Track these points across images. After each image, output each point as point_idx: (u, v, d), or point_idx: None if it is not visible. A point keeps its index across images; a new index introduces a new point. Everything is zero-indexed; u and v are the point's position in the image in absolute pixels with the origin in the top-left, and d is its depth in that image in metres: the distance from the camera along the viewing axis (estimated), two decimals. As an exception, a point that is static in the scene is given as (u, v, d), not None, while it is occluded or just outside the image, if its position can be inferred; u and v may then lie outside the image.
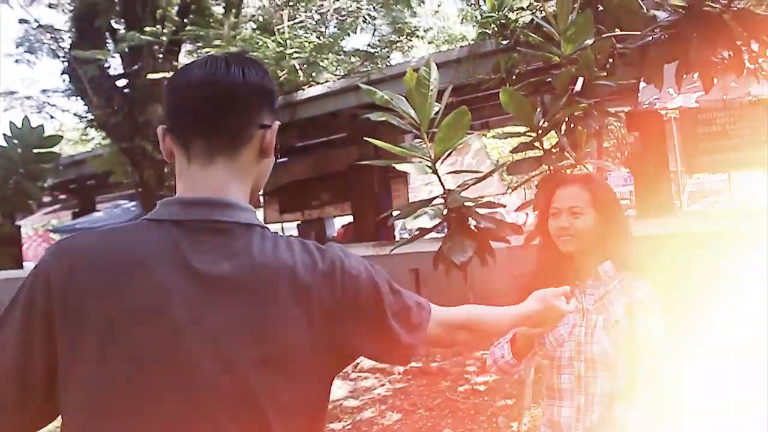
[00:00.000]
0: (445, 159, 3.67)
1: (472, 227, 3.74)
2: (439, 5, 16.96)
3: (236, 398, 1.01)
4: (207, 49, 9.03)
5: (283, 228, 18.80)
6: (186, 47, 10.30)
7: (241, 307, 1.03)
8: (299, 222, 17.27)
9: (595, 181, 2.06)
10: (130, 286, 0.99)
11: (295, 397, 1.06)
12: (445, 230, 4.00)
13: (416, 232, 4.07)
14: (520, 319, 1.53)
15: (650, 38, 4.10)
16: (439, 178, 3.68)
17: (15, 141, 10.66)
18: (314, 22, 11.08)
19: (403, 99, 3.34)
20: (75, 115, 11.50)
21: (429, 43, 15.90)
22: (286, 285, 1.06)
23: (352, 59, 11.15)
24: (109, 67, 9.97)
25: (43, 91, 10.99)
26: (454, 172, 4.15)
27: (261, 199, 16.31)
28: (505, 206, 4.54)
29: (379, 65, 9.62)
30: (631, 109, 8.13)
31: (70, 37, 9.96)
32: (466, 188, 3.76)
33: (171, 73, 8.80)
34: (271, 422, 1.02)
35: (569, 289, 1.61)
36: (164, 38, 9.48)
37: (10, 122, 10.64)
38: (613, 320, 1.91)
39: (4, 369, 0.97)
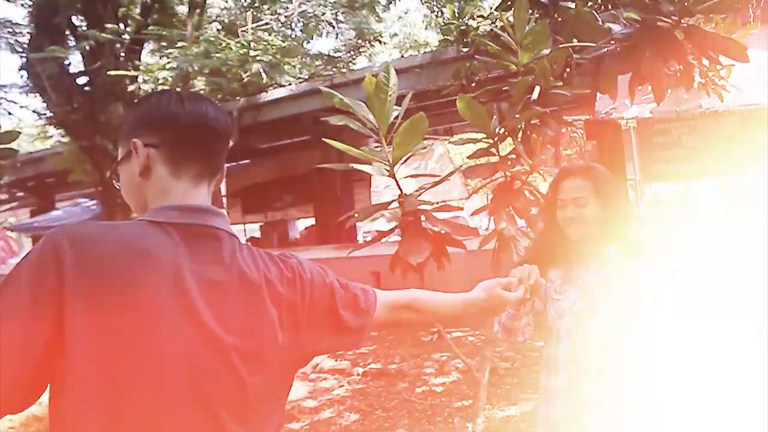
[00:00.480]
0: (404, 163, 3.73)
1: (429, 230, 3.81)
2: (405, 12, 17.09)
3: (227, 384, 1.15)
4: (170, 50, 8.99)
5: (245, 229, 18.73)
6: (149, 46, 10.23)
7: (230, 307, 1.18)
8: (262, 223, 17.21)
9: (596, 172, 2.20)
10: (139, 272, 1.09)
11: (268, 387, 1.23)
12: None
13: (375, 235, 4.14)
14: (465, 305, 1.62)
15: (605, 50, 4.22)
16: (397, 181, 3.74)
17: (-29, 137, 10.48)
18: (279, 25, 11.08)
19: (363, 104, 3.40)
20: (33, 111, 11.32)
21: (394, 48, 16.01)
22: (264, 292, 1.23)
23: (316, 63, 11.18)
24: (69, 65, 9.85)
25: (0, 86, 10.79)
26: (412, 176, 4.23)
27: (224, 200, 16.24)
28: (462, 209, 4.62)
29: (343, 69, 9.65)
30: (589, 118, 8.29)
31: (29, 32, 9.82)
32: (423, 192, 3.82)
33: (133, 72, 8.77)
34: (250, 406, 1.18)
35: (516, 280, 1.68)
36: (126, 37, 9.41)
37: (-34, 118, 10.43)
38: (613, 299, 2.06)
39: (11, 341, 1.00)
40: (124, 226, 1.16)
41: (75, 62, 10.03)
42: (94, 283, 1.05)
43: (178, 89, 1.15)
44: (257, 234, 17.81)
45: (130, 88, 9.08)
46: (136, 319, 1.07)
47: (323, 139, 3.65)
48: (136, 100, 9.78)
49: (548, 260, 2.15)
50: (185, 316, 1.12)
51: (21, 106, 11.24)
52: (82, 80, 9.82)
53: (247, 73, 9.10)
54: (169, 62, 8.74)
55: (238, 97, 10.71)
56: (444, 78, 7.67)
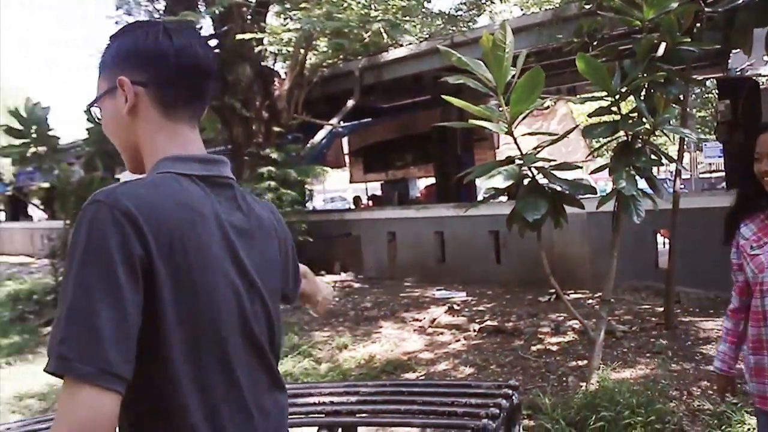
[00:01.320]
0: (524, 122, 3.74)
1: (546, 188, 3.81)
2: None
3: (264, 322, 1.29)
4: (294, 12, 9.21)
5: (366, 187, 19.06)
6: (274, 9, 10.52)
7: (256, 251, 1.29)
8: (383, 182, 17.47)
9: None
10: (199, 232, 1.15)
11: (281, 321, 1.38)
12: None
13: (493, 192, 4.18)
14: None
15: (739, 1, 4.02)
16: (515, 139, 3.75)
17: (114, 97, 11.19)
18: (400, -17, 11.09)
19: (481, 62, 3.42)
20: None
21: (515, 6, 15.64)
22: (274, 235, 1.38)
23: (437, 22, 11.13)
24: (200, 28, 10.30)
25: (138, 49, 11.44)
26: (530, 133, 4.21)
27: (346, 158, 16.58)
28: (581, 167, 4.56)
29: (463, 28, 9.57)
30: (721, 76, 7.87)
31: (164, 1, 10.36)
32: (541, 150, 3.82)
33: (259, 35, 9.08)
34: (276, 340, 1.33)
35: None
36: (253, 1, 9.73)
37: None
38: None
39: (128, 319, 1.03)
40: (165, 184, 1.17)
41: (206, 26, 10.49)
42: (171, 249, 1.10)
43: (166, 21, 1.13)
44: (378, 192, 18.10)
45: (257, 49, 9.41)
46: (206, 277, 1.15)
47: (445, 98, 3.70)
48: (260, 60, 10.15)
49: (745, 213, 2.25)
50: (234, 266, 1.21)
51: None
52: (212, 42, 10.25)
53: (368, 33, 9.21)
54: (293, 24, 8.97)
55: (359, 57, 10.86)
56: (566, 35, 7.47)
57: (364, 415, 3.62)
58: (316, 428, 3.62)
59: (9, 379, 6.50)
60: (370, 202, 17.42)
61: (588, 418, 4.03)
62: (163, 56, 1.23)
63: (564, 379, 5.15)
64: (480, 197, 15.31)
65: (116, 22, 11.40)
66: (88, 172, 11.83)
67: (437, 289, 8.68)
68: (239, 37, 8.94)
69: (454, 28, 10.06)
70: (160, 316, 1.08)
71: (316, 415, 3.65)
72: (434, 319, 7.27)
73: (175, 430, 1.13)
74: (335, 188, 34.58)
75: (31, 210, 27.76)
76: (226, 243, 1.21)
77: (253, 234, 1.29)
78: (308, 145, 10.54)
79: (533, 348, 6.01)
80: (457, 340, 6.60)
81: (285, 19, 10.51)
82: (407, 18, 9.38)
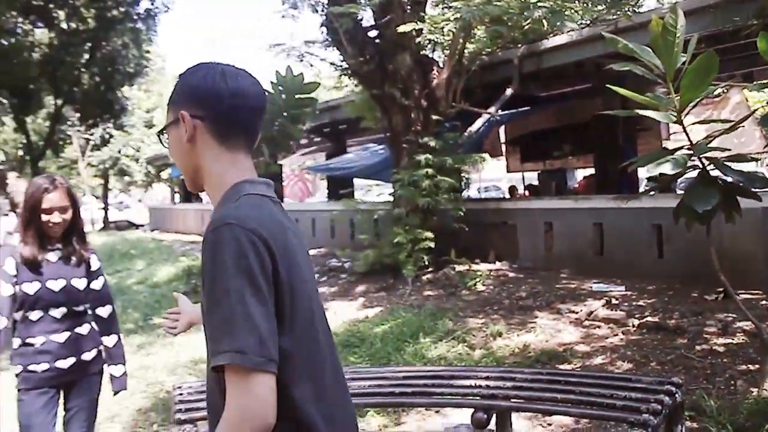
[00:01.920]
0: (693, 111, 3.59)
1: (718, 179, 3.63)
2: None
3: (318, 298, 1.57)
4: (453, 2, 9.23)
5: (524, 177, 18.81)
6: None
7: (303, 245, 1.55)
8: (540, 171, 17.18)
9: None
10: (287, 244, 1.43)
11: None
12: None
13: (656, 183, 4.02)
14: None
15: None
16: (684, 129, 3.61)
17: (280, 88, 11.72)
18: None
19: (648, 48, 3.31)
20: (331, 64, 12.36)
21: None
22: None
23: (599, 7, 10.76)
24: (362, 20, 10.59)
25: (305, 42, 11.93)
26: (701, 122, 4.02)
27: (503, 147, 16.45)
28: (758, 160, 4.28)
29: (628, 12, 9.18)
30: None
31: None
32: (713, 139, 3.64)
33: (419, 25, 9.19)
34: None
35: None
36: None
37: (276, 71, 11.69)
38: None
39: (266, 315, 1.31)
40: (261, 206, 1.45)
41: (367, 17, 10.76)
42: (282, 257, 1.37)
43: (226, 65, 1.55)
44: (535, 182, 17.82)
45: (417, 39, 9.54)
46: (301, 276, 1.44)
47: (606, 86, 3.62)
48: (419, 52, 10.29)
49: None
50: (306, 267, 1.51)
51: (321, 59, 12.36)
52: (372, 33, 10.52)
53: (528, 21, 9.07)
54: (452, 13, 9.00)
55: (518, 45, 10.74)
56: (743, 17, 6.99)
57: (520, 400, 3.65)
58: (472, 410, 3.69)
59: (185, 345, 7.11)
60: (527, 192, 17.18)
61: (760, 427, 3.83)
62: (218, 96, 1.49)
63: (732, 382, 4.90)
64: (642, 189, 14.73)
65: (282, 16, 11.94)
66: (254, 157, 12.50)
67: (594, 282, 8.46)
68: (400, 28, 9.10)
69: (618, 13, 9.65)
70: (284, 314, 1.37)
71: (472, 398, 3.72)
72: (591, 312, 7.11)
73: (285, 400, 1.35)
74: (490, 177, 34.36)
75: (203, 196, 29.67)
76: (299, 248, 1.50)
77: (297, 232, 1.55)
78: (465, 134, 10.57)
79: (697, 348, 5.74)
80: (615, 335, 6.42)
81: (444, 8, 10.57)
82: (568, 4, 9.11)
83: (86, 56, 22.17)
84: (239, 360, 1.26)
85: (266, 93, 1.61)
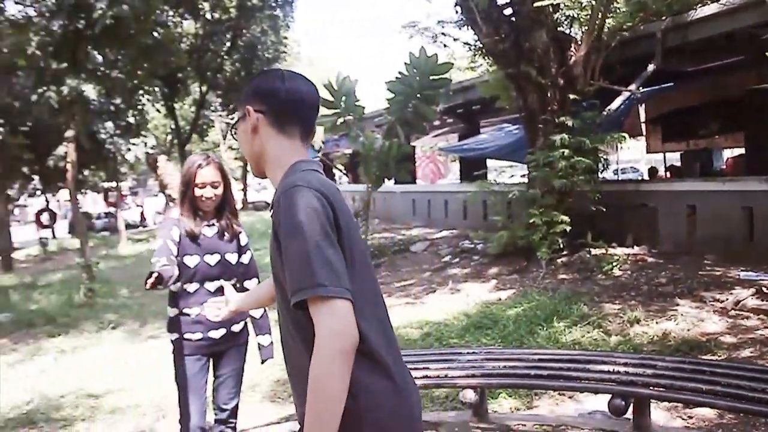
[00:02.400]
0: None
1: None
2: None
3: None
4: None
5: (665, 157, 17.96)
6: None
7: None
8: (683, 152, 16.33)
9: None
10: (344, 202, 1.73)
11: None
12: None
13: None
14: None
15: None
16: None
17: (414, 69, 11.76)
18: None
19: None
20: (465, 43, 12.26)
21: None
22: None
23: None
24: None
25: (439, 22, 11.89)
26: None
27: (643, 126, 15.75)
28: None
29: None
30: None
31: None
32: None
33: (554, 1, 8.91)
34: None
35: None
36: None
37: (410, 52, 11.73)
38: None
39: (337, 254, 1.59)
40: (314, 174, 1.75)
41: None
42: (340, 212, 1.67)
43: (286, 71, 1.95)
44: (677, 163, 16.97)
45: (554, 15, 9.27)
46: (355, 230, 1.74)
47: (766, 56, 3.37)
48: (558, 27, 10.00)
49: None
50: (358, 230, 1.81)
51: (454, 39, 12.26)
52: (508, 11, 10.31)
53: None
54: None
55: (662, 18, 10.18)
56: None
57: (660, 389, 3.52)
58: (609, 396, 3.59)
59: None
60: (668, 173, 16.39)
61: None
62: (276, 93, 1.83)
63: None
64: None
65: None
66: (388, 139, 12.63)
67: (742, 270, 7.95)
68: (537, 4, 8.87)
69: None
70: (346, 258, 1.63)
71: (609, 384, 3.62)
72: (739, 302, 6.70)
73: None
74: (628, 158, 33.09)
75: (336, 174, 30.45)
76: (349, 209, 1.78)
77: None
78: (604, 113, 10.18)
79: None
80: (766, 327, 6.03)
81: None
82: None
83: (228, 44, 23.20)
84: (322, 291, 1.52)
85: (318, 93, 1.92)
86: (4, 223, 20.18)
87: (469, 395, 3.86)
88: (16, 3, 19.08)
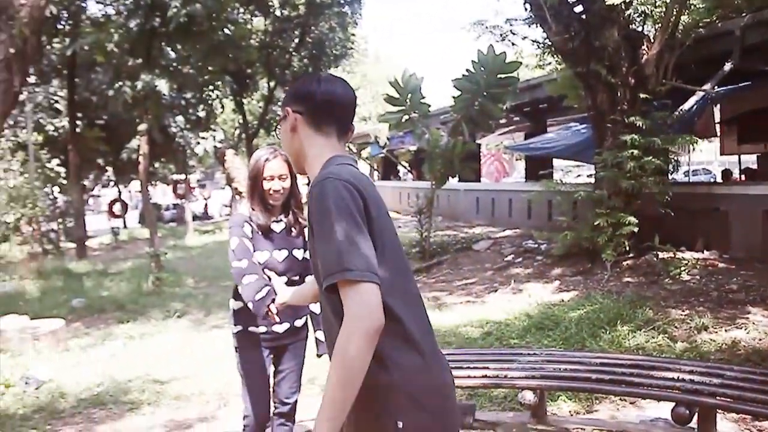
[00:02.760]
0: None
1: None
2: None
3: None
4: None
5: (740, 159, 17.37)
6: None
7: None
8: (759, 154, 15.73)
9: None
10: (376, 193, 1.84)
11: None
12: None
13: None
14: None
15: None
16: None
17: (481, 67, 11.69)
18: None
19: None
20: (533, 41, 12.11)
21: None
22: None
23: None
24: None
25: (507, 20, 11.77)
26: None
27: (717, 127, 15.24)
28: None
29: None
30: None
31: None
32: None
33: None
34: None
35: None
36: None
37: (478, 50, 11.65)
38: None
39: (370, 244, 1.71)
40: (352, 169, 1.86)
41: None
42: (372, 202, 1.78)
43: (325, 74, 2.15)
44: (753, 165, 16.36)
45: (626, 12, 9.04)
46: (387, 221, 1.85)
47: None
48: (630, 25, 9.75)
49: None
50: (389, 218, 1.89)
51: (523, 37, 12.12)
52: (579, 8, 10.13)
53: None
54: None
55: (742, 14, 9.83)
56: None
57: (727, 399, 3.41)
58: (673, 404, 3.51)
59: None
60: (743, 176, 15.82)
61: None
62: (311, 95, 1.95)
63: None
64: None
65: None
66: (453, 136, 12.60)
67: (820, 278, 7.63)
68: (609, 1, 8.68)
69: None
70: (376, 245, 1.73)
71: (674, 391, 3.53)
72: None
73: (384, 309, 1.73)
74: (700, 160, 32.13)
75: (400, 170, 30.55)
76: (383, 203, 1.89)
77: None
78: (676, 113, 9.90)
79: None
80: None
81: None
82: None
83: (296, 41, 23.45)
84: (349, 275, 1.62)
85: (355, 95, 2.03)
86: (79, 213, 20.89)
87: (528, 396, 3.82)
88: (97, 2, 19.84)
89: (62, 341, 7.87)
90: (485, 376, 3.95)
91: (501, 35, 11.92)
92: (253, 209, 3.37)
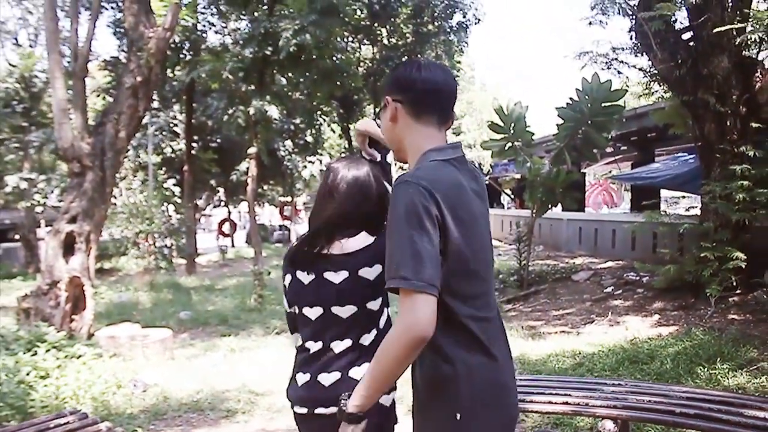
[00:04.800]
0: None
1: None
2: None
3: (491, 256, 1.95)
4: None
5: None
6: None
7: (485, 206, 1.94)
8: None
9: None
10: (463, 200, 1.79)
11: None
12: None
13: None
14: None
15: None
16: None
17: (586, 95, 11.53)
18: None
19: None
20: (639, 69, 11.83)
21: None
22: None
23: None
24: (675, 21, 9.97)
25: (613, 48, 11.57)
26: None
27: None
28: None
29: None
30: None
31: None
32: None
33: (738, 24, 8.37)
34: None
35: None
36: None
37: (583, 78, 11.51)
38: None
39: (433, 248, 1.67)
40: (438, 168, 1.80)
41: (680, 18, 10.12)
42: (451, 208, 1.72)
43: (424, 60, 2.00)
44: None
45: (738, 39, 8.71)
46: (472, 228, 1.80)
47: None
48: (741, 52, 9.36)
49: None
50: (481, 219, 1.87)
51: (629, 66, 11.88)
52: (686, 36, 9.86)
53: None
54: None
55: None
56: None
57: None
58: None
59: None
60: None
61: None
62: (412, 83, 1.88)
63: None
64: None
65: (590, 23, 11.70)
66: (555, 165, 12.44)
67: None
68: (718, 29, 8.41)
69: None
70: (449, 251, 1.72)
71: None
72: None
73: (451, 322, 1.76)
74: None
75: (503, 198, 30.30)
76: (476, 204, 1.86)
77: (482, 195, 1.94)
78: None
79: None
80: None
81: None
82: None
83: (403, 69, 23.86)
84: (403, 284, 1.62)
85: (456, 81, 1.97)
86: (191, 231, 21.90)
87: (608, 426, 3.74)
88: (216, 33, 20.93)
89: (169, 350, 8.30)
90: (566, 403, 3.90)
91: (606, 63, 11.70)
92: None
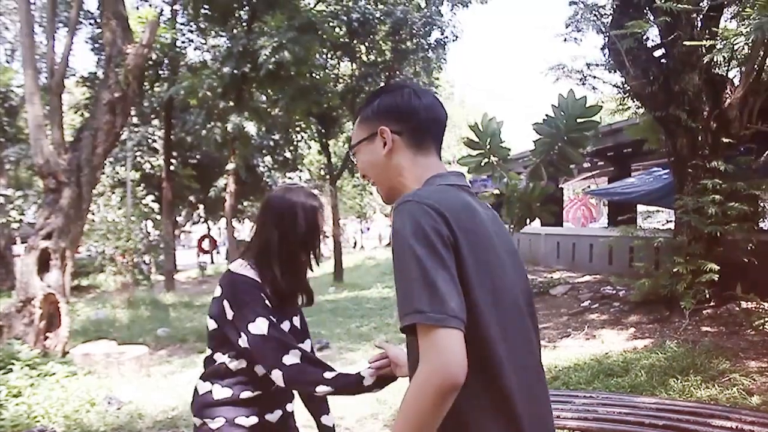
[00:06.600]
0: None
1: None
2: None
3: (524, 288, 1.66)
4: (746, 11, 8.44)
5: None
6: (729, 10, 9.82)
7: (502, 231, 1.68)
8: None
9: None
10: (476, 223, 1.54)
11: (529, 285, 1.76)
12: None
13: None
14: None
15: None
16: None
17: (561, 111, 11.63)
18: None
19: None
20: (613, 86, 12.00)
21: None
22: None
23: None
24: (647, 39, 10.15)
25: (587, 65, 11.72)
26: None
27: None
28: None
29: None
30: None
31: (611, 14, 10.47)
32: None
33: (706, 42, 8.54)
34: (530, 300, 1.68)
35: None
36: (703, 5, 9.23)
37: (559, 94, 11.62)
38: None
39: (449, 277, 1.41)
40: (447, 191, 1.58)
41: (652, 36, 10.30)
42: (465, 232, 1.48)
43: (414, 84, 1.92)
44: None
45: (707, 56, 8.88)
46: (488, 253, 1.53)
47: None
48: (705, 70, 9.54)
49: None
50: (499, 244, 1.60)
51: (603, 82, 12.04)
52: (657, 53, 10.03)
53: None
54: (746, 27, 8.23)
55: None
56: None
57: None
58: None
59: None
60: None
61: None
62: (414, 111, 1.70)
63: None
64: None
65: (564, 40, 11.86)
66: (532, 180, 12.51)
67: None
68: (687, 44, 8.58)
69: None
70: (465, 279, 1.45)
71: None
72: None
73: (478, 353, 1.44)
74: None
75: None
76: (491, 229, 1.60)
77: (496, 221, 1.68)
78: (763, 157, 9.58)
79: None
80: None
81: (741, 20, 9.71)
82: None
83: (381, 85, 24.01)
84: (420, 319, 1.35)
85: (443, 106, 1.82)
86: (170, 247, 21.79)
87: (578, 438, 3.79)
88: (195, 49, 20.96)
89: (145, 367, 8.25)
90: (538, 417, 3.94)
91: (581, 79, 11.86)
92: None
